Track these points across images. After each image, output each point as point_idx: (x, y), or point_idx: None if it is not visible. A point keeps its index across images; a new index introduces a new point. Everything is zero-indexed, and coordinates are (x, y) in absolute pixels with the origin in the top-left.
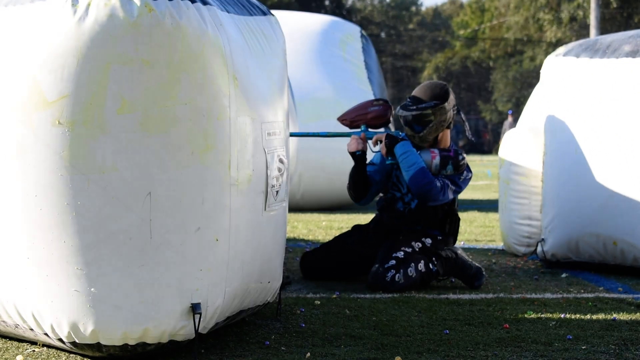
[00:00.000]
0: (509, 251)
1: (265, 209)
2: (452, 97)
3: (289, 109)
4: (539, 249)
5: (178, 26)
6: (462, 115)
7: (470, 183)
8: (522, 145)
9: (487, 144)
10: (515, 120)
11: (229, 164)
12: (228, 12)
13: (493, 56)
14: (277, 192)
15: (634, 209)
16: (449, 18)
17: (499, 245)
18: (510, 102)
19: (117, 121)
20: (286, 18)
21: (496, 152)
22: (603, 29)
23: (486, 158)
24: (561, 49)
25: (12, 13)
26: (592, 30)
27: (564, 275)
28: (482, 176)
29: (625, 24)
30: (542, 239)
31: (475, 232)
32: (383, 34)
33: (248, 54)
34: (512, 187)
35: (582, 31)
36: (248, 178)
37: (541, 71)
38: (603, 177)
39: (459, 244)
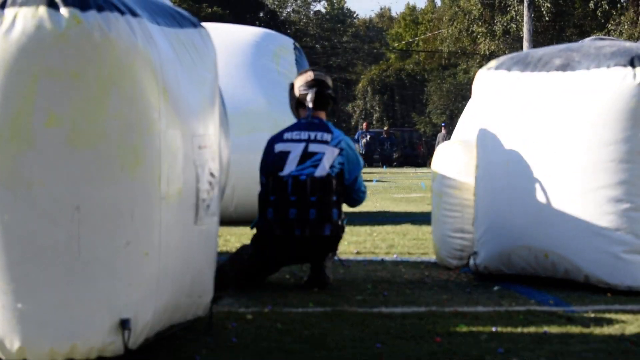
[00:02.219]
0: (441, 264)
1: (195, 223)
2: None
3: (221, 121)
4: (471, 262)
5: (107, 39)
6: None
7: (404, 195)
8: (454, 158)
9: (422, 156)
10: (449, 132)
11: (158, 178)
12: (158, 24)
13: (428, 67)
14: (208, 205)
15: (565, 221)
16: (382, 30)
17: (432, 258)
18: (445, 114)
19: (45, 135)
20: (218, 30)
21: (430, 165)
22: (536, 42)
23: (420, 170)
24: (492, 63)
25: None
26: (525, 44)
27: (496, 288)
28: (416, 188)
29: (557, 37)
30: (475, 252)
31: (408, 244)
32: (318, 46)
33: (178, 67)
34: (444, 200)
35: (515, 44)
36: (178, 192)
37: (473, 84)
38: (534, 190)
39: (392, 257)
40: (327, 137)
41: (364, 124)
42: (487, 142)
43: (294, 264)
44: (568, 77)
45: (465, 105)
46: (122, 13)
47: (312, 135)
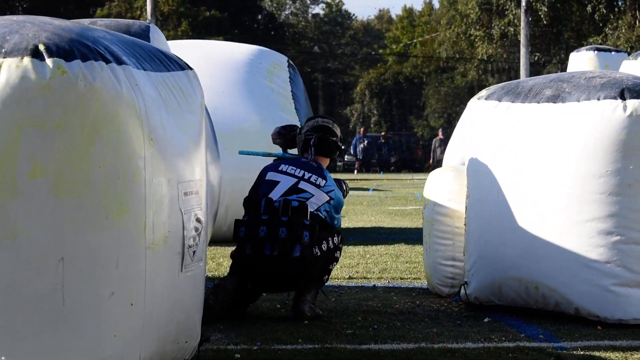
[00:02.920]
0: (433, 291)
1: (181, 270)
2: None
3: (209, 144)
4: (462, 291)
5: (92, 88)
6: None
7: (399, 208)
8: (446, 185)
9: (419, 160)
10: (447, 137)
11: (144, 226)
12: (144, 69)
13: (426, 71)
14: (194, 252)
15: (555, 254)
16: (380, 33)
17: (424, 284)
18: (442, 117)
19: (29, 185)
20: (213, 48)
21: (428, 170)
22: (533, 46)
23: (417, 177)
24: (483, 92)
25: None
26: (522, 49)
27: (486, 320)
28: (412, 199)
29: (555, 40)
30: (465, 282)
31: (400, 269)
32: (316, 48)
33: (164, 112)
34: (436, 227)
35: (513, 47)
36: (164, 240)
37: (464, 113)
38: (525, 221)
39: (384, 282)
40: (321, 181)
41: (361, 129)
42: (477, 172)
43: (271, 290)
44: (559, 109)
45: (462, 109)
46: (107, 62)
47: (307, 175)
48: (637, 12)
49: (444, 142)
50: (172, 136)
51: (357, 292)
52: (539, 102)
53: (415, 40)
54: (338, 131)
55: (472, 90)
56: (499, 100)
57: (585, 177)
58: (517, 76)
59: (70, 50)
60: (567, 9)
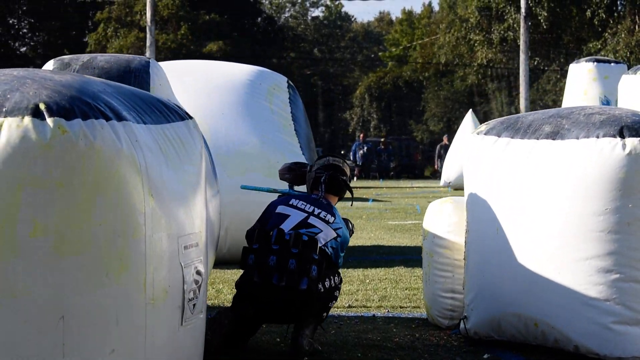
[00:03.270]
0: (432, 322)
1: (182, 324)
2: (311, 167)
3: (207, 172)
4: (461, 325)
5: (92, 147)
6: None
7: (398, 222)
8: (445, 217)
9: (419, 166)
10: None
11: (144, 282)
12: (145, 122)
13: (425, 75)
14: (194, 305)
15: (554, 291)
16: (380, 35)
17: (424, 313)
18: (442, 121)
19: (30, 244)
20: (211, 69)
21: (427, 176)
22: (533, 52)
23: (417, 184)
24: (483, 127)
25: None
26: (522, 56)
27: (486, 356)
28: (411, 211)
29: (554, 45)
30: (465, 316)
31: (400, 296)
32: (316, 51)
33: (164, 166)
34: (435, 259)
35: (512, 52)
36: (164, 295)
37: (464, 147)
38: (524, 258)
39: (384, 312)
40: (330, 218)
41: (361, 135)
42: (476, 207)
43: (272, 320)
44: (558, 146)
45: (462, 113)
46: (108, 119)
47: (317, 211)
48: (637, 17)
49: (447, 148)
50: (172, 190)
51: (356, 324)
52: (538, 139)
53: (414, 43)
54: (348, 170)
55: (471, 95)
56: (499, 136)
57: (584, 215)
58: (516, 81)
59: (70, 108)
60: (566, 14)
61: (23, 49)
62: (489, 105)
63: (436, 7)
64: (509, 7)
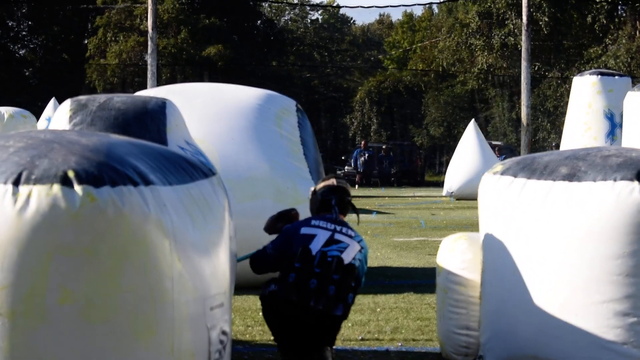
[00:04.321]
0: (446, 358)
1: None
2: (320, 191)
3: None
4: None
5: (121, 214)
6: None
7: (403, 239)
8: (459, 253)
9: (420, 172)
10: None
11: (171, 347)
12: (170, 183)
13: (425, 79)
14: None
15: (571, 334)
16: (380, 38)
17: (437, 347)
18: (442, 126)
19: (58, 311)
20: (220, 93)
21: (429, 180)
22: (533, 56)
23: (419, 193)
24: (499, 167)
25: None
26: (524, 63)
27: None
28: (416, 226)
29: (555, 51)
30: (480, 356)
31: (412, 327)
32: (315, 54)
33: (190, 228)
34: (449, 295)
35: (513, 58)
36: (190, 358)
37: (479, 188)
38: (541, 300)
39: (397, 345)
40: (351, 232)
41: (362, 142)
42: (493, 247)
43: (295, 340)
44: (574, 188)
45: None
46: (135, 184)
47: (339, 228)
48: (638, 22)
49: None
50: (198, 252)
51: (370, 359)
52: (554, 180)
53: (415, 46)
54: (350, 190)
55: (472, 100)
56: (515, 176)
57: (601, 258)
58: (517, 86)
59: (99, 175)
60: (567, 19)
61: (22, 52)
62: (489, 111)
63: (436, 9)
64: (509, 13)
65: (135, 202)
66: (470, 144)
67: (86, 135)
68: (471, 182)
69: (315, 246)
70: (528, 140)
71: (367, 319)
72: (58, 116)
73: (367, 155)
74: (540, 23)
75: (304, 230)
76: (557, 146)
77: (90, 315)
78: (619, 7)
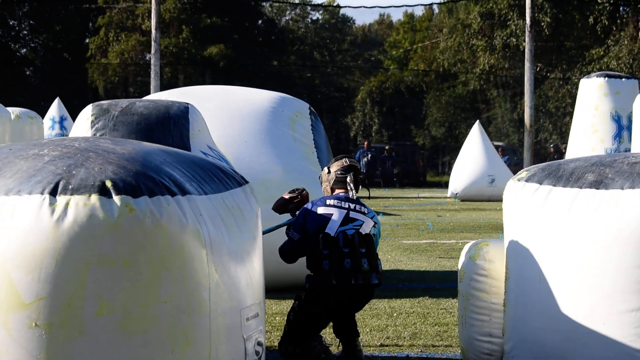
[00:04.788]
0: None
1: None
2: (333, 167)
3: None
4: None
5: (159, 224)
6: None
7: (412, 241)
8: (482, 260)
9: (422, 172)
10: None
11: (208, 358)
12: (205, 192)
13: (427, 79)
14: None
15: (599, 342)
16: (380, 37)
17: (458, 353)
18: (444, 127)
19: (96, 322)
20: (233, 95)
21: (430, 180)
22: (535, 57)
23: (423, 194)
24: (523, 174)
25: None
26: (527, 64)
27: None
28: (424, 228)
29: (557, 51)
30: None
31: (430, 333)
32: (316, 53)
33: (226, 238)
34: (472, 302)
35: (514, 58)
36: None
37: (503, 194)
38: (567, 308)
39: (417, 352)
40: (364, 209)
41: (365, 143)
42: (517, 254)
43: (340, 314)
44: (601, 196)
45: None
46: (173, 194)
47: (352, 205)
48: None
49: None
50: (233, 262)
51: None
52: (581, 187)
53: (415, 46)
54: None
55: (473, 100)
56: (540, 183)
57: (629, 267)
58: (518, 87)
59: (137, 185)
60: (569, 20)
61: (23, 51)
62: (490, 111)
63: (437, 9)
64: (511, 13)
65: (173, 212)
66: (474, 146)
67: (120, 143)
68: (476, 183)
69: (333, 227)
70: (531, 141)
71: (385, 324)
72: (80, 121)
73: (369, 155)
74: (542, 24)
75: (321, 209)
76: (557, 147)
77: (128, 327)
78: (621, 8)
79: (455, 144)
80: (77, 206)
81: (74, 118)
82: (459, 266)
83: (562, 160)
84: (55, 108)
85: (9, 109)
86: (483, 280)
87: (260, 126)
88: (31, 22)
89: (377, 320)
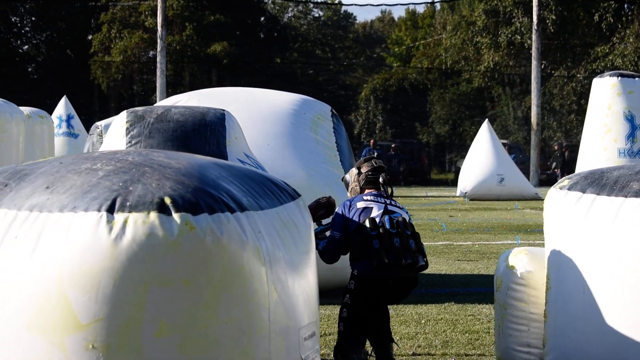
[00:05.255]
0: None
1: None
2: (363, 168)
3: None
4: None
5: (219, 243)
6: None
7: (428, 243)
8: (520, 268)
9: (427, 170)
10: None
11: None
12: (261, 207)
13: (430, 77)
14: None
15: None
16: (381, 34)
17: None
18: (448, 124)
19: (155, 345)
20: (256, 98)
21: (435, 178)
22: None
23: (431, 192)
24: (565, 182)
25: (40, 221)
26: (534, 62)
27: None
28: (437, 229)
29: (562, 49)
30: None
31: (462, 341)
32: (318, 51)
33: (284, 255)
34: (509, 312)
35: (519, 56)
36: None
37: (544, 203)
38: (613, 319)
39: None
40: (399, 205)
41: (371, 141)
42: (560, 264)
43: (384, 303)
44: None
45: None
46: (232, 210)
47: (388, 201)
48: None
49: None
50: (291, 280)
51: None
52: (626, 196)
53: (418, 43)
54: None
55: (478, 98)
56: (583, 192)
57: None
58: (523, 85)
59: (196, 202)
60: (574, 18)
61: (25, 47)
62: (495, 109)
63: (439, 7)
64: (516, 11)
65: (233, 229)
66: (483, 144)
67: (174, 157)
68: (485, 182)
69: (376, 217)
70: (537, 140)
71: (414, 331)
72: (114, 128)
73: (376, 154)
74: (547, 21)
75: (360, 204)
76: (562, 145)
77: (187, 349)
78: (626, 6)
79: (459, 141)
80: (136, 224)
81: (80, 116)
82: (496, 274)
83: (605, 168)
84: (62, 106)
85: (22, 108)
86: (521, 290)
87: (283, 129)
88: (33, 19)
89: (405, 327)
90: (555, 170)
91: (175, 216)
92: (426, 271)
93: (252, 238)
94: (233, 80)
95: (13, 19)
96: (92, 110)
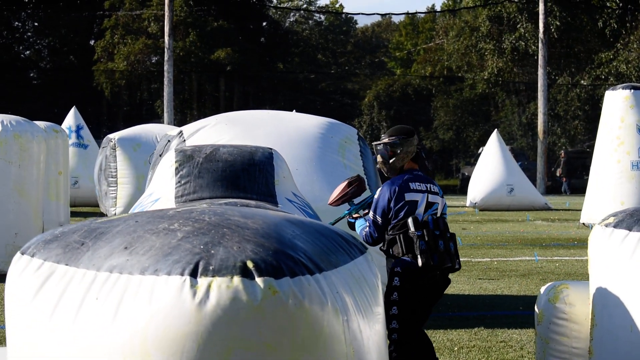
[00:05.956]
0: None
1: None
2: (416, 136)
3: None
4: None
5: (301, 306)
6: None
7: None
8: (563, 303)
9: (432, 176)
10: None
11: None
12: (335, 265)
13: (434, 82)
14: None
15: None
16: (380, 40)
17: None
18: (452, 130)
19: None
20: (284, 121)
21: (440, 184)
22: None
23: None
24: (611, 219)
25: (121, 283)
26: (540, 70)
27: None
28: None
29: (565, 55)
30: None
31: None
32: (320, 56)
33: (358, 314)
34: (551, 346)
35: (523, 61)
36: None
37: (589, 240)
38: None
39: None
40: (436, 189)
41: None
42: (605, 302)
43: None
44: None
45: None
46: (311, 272)
47: (429, 186)
48: None
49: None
50: (366, 337)
51: None
52: None
53: (419, 47)
54: None
55: (481, 104)
56: (630, 230)
57: None
58: (527, 90)
59: (278, 266)
60: (577, 24)
61: (27, 52)
62: (499, 115)
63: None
64: (520, 17)
65: (314, 292)
66: (493, 154)
67: (249, 215)
68: (494, 192)
69: (420, 212)
70: (544, 148)
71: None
72: (163, 167)
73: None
74: (552, 27)
75: (408, 195)
76: (567, 152)
77: None
78: (628, 12)
79: (463, 147)
80: (220, 289)
81: (88, 125)
82: (537, 307)
83: None
84: (72, 117)
85: (38, 123)
86: (563, 324)
87: (311, 153)
88: (35, 24)
89: (439, 354)
90: (561, 177)
91: (259, 280)
92: (449, 291)
93: (331, 300)
94: (240, 88)
95: (15, 24)
96: (100, 120)
